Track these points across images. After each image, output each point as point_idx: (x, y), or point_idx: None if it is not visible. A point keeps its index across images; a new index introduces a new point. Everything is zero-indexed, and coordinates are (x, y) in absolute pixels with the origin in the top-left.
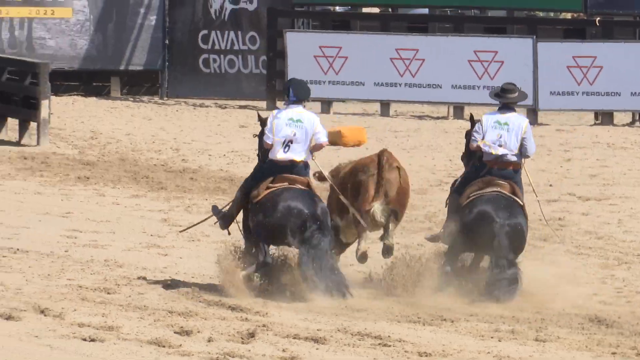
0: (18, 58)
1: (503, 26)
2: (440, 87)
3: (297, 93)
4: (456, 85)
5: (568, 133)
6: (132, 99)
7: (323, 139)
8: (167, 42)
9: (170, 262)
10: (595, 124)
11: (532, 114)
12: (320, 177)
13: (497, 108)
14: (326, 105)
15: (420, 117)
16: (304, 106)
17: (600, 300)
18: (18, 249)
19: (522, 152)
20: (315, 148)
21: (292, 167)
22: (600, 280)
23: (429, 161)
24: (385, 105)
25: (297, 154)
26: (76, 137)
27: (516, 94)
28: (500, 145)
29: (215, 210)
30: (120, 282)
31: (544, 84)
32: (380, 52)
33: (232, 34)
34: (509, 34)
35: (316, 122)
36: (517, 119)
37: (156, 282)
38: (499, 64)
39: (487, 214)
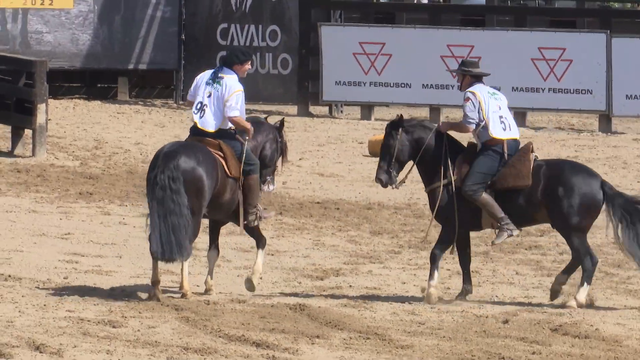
0: (11, 55)
1: (572, 19)
2: (499, 90)
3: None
4: (517, 88)
5: None
6: (142, 103)
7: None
8: (183, 37)
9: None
10: None
11: (605, 120)
12: None
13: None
14: (367, 110)
15: None
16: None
17: None
18: (10, 276)
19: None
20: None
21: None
22: None
23: None
24: (435, 111)
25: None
26: (77, 147)
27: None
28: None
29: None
30: (128, 314)
31: (619, 86)
32: (430, 49)
33: (252, 28)
34: (579, 28)
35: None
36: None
37: (169, 314)
38: (566, 63)
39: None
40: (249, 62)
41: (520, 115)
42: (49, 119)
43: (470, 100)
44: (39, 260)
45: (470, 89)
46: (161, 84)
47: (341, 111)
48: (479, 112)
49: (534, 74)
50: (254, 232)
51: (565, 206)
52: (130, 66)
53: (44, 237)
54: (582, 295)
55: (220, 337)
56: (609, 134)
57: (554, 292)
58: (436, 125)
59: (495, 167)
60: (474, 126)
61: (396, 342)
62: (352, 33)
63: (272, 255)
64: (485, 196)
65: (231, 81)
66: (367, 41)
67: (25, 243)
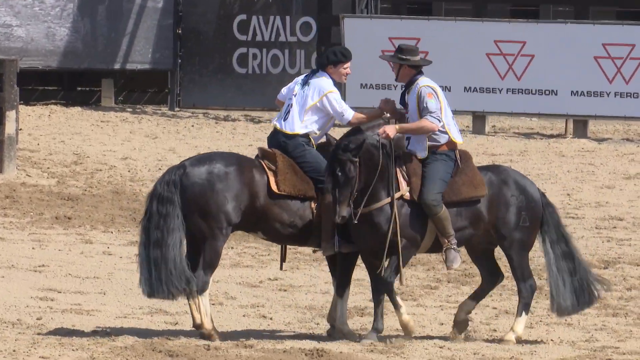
0: None
1: None
2: (556, 94)
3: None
4: (577, 92)
5: None
6: (130, 110)
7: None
8: (179, 31)
9: (182, 334)
10: None
11: None
12: None
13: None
14: None
15: (527, 135)
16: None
17: None
18: None
19: None
20: None
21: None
22: None
23: None
24: (479, 119)
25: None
26: (54, 162)
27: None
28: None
29: None
30: None
31: None
32: (474, 46)
33: (277, 20)
34: None
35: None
36: None
37: None
38: (636, 62)
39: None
40: (346, 65)
41: (580, 124)
42: (20, 129)
43: (433, 96)
44: (8, 297)
45: (427, 83)
46: (153, 87)
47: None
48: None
49: (598, 75)
50: (340, 270)
51: (515, 220)
52: (117, 66)
53: (13, 270)
54: (521, 327)
55: None
56: None
57: (461, 324)
58: (379, 132)
59: (449, 175)
60: (440, 125)
61: None
62: (381, 27)
63: (285, 290)
64: (445, 209)
65: (322, 82)
66: (398, 36)
67: None
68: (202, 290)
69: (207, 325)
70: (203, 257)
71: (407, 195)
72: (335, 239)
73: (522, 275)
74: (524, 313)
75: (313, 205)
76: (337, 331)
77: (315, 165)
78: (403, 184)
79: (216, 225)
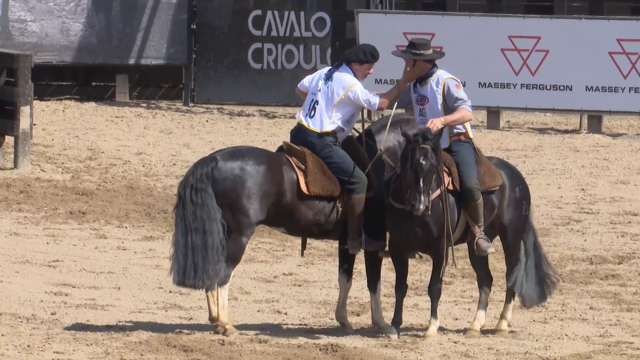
0: None
1: None
2: (570, 90)
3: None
4: (592, 87)
5: None
6: (145, 105)
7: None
8: (194, 26)
9: (196, 329)
10: None
11: None
12: None
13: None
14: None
15: (542, 131)
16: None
17: None
18: None
19: None
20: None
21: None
22: None
23: (554, 191)
24: (493, 114)
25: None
26: (68, 157)
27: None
28: None
29: None
30: (127, 357)
31: None
32: (488, 41)
33: (292, 15)
34: None
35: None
36: None
37: (176, 356)
38: None
39: None
40: (371, 65)
41: (595, 120)
42: (34, 124)
43: (461, 86)
44: (22, 293)
45: (450, 75)
46: (168, 83)
47: (382, 115)
48: None
49: (613, 71)
50: (369, 267)
51: (520, 209)
52: (131, 61)
53: (27, 265)
54: (510, 313)
55: None
56: None
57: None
58: (429, 126)
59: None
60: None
61: None
62: (396, 22)
63: (300, 286)
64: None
65: (344, 76)
66: (413, 31)
67: (6, 272)
68: (223, 282)
69: (224, 319)
70: (227, 250)
71: (450, 185)
72: (362, 237)
73: (515, 261)
74: (512, 300)
75: (339, 204)
76: (373, 324)
77: (342, 166)
78: (444, 175)
79: (244, 221)
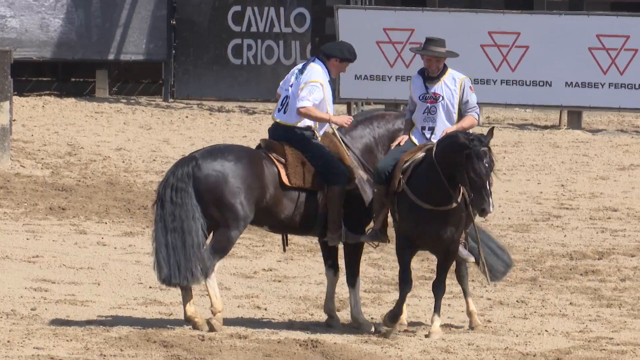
0: None
1: (638, 1)
2: (550, 85)
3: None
4: (571, 83)
5: None
6: (124, 101)
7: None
8: (173, 22)
9: (176, 325)
10: None
11: None
12: None
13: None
14: (393, 109)
15: (521, 126)
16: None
17: None
18: None
19: None
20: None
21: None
22: None
23: (534, 187)
24: None
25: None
26: (48, 153)
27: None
28: None
29: None
30: (107, 352)
31: None
32: (468, 37)
33: (272, 11)
34: None
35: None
36: None
37: (156, 352)
38: (631, 53)
39: None
40: (348, 64)
41: (575, 115)
42: (14, 120)
43: (473, 89)
44: (2, 288)
45: (464, 75)
46: (147, 78)
47: (362, 110)
48: None
49: (592, 67)
50: (348, 261)
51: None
52: (111, 57)
53: (7, 261)
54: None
55: None
56: None
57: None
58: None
59: None
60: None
61: None
62: (376, 18)
63: (279, 281)
64: None
65: (313, 71)
66: (393, 27)
67: None
68: (207, 275)
69: (218, 306)
70: (214, 241)
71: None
72: (342, 229)
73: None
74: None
75: (319, 198)
76: (352, 320)
77: (322, 159)
78: None
79: (231, 216)
